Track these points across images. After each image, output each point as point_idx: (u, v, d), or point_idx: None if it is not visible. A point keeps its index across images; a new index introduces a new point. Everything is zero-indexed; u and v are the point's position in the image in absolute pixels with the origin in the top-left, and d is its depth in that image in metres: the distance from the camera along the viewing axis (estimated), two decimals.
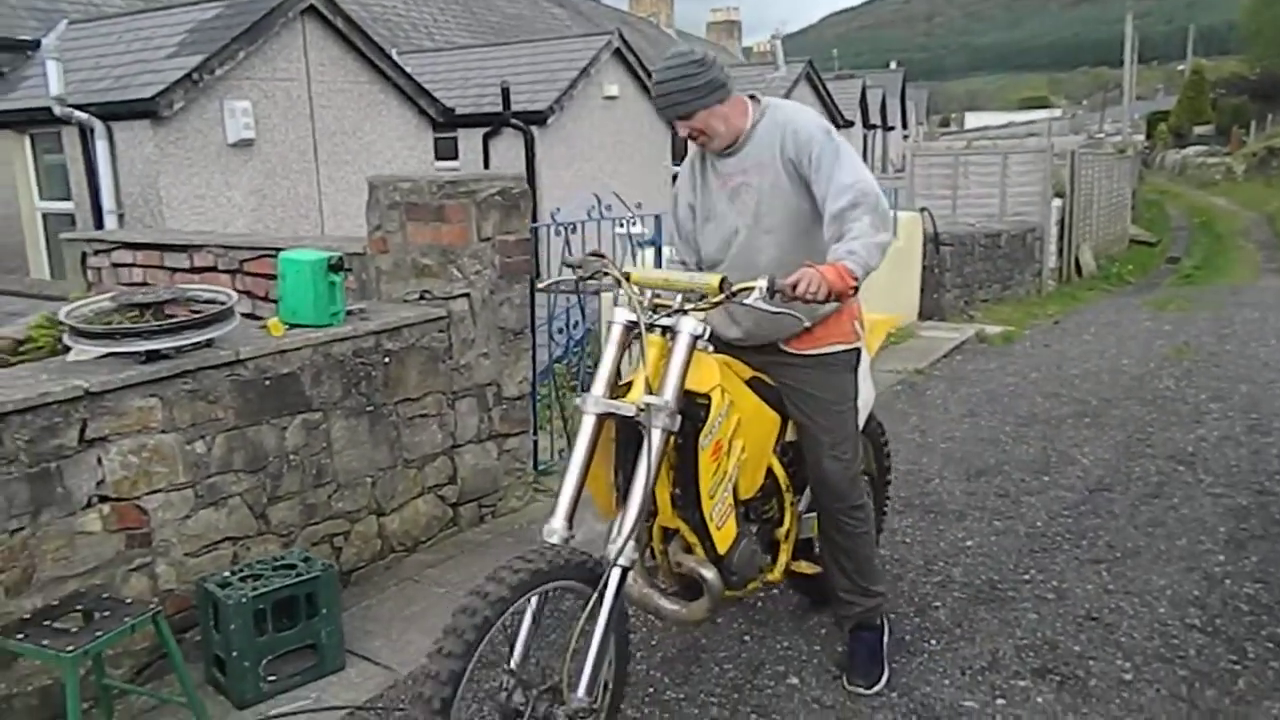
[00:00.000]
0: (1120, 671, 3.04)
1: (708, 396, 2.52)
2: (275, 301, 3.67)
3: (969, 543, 4.07)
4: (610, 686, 2.50)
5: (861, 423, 3.07)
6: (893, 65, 40.14)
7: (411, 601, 3.53)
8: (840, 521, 2.90)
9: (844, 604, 3.02)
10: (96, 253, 5.24)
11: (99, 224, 7.78)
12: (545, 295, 4.18)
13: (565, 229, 4.69)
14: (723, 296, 2.45)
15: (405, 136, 9.50)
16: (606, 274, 2.66)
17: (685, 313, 2.49)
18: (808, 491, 3.03)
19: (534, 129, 11.22)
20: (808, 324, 2.74)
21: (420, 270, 3.92)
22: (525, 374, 4.32)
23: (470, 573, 3.60)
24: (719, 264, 2.82)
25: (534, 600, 2.30)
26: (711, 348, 2.66)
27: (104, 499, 2.86)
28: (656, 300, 2.57)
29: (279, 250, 3.68)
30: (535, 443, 4.67)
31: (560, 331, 4.94)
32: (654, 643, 3.26)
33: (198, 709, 2.73)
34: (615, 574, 2.32)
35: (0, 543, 2.64)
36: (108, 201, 7.75)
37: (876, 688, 2.94)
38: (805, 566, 3.12)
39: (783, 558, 3.01)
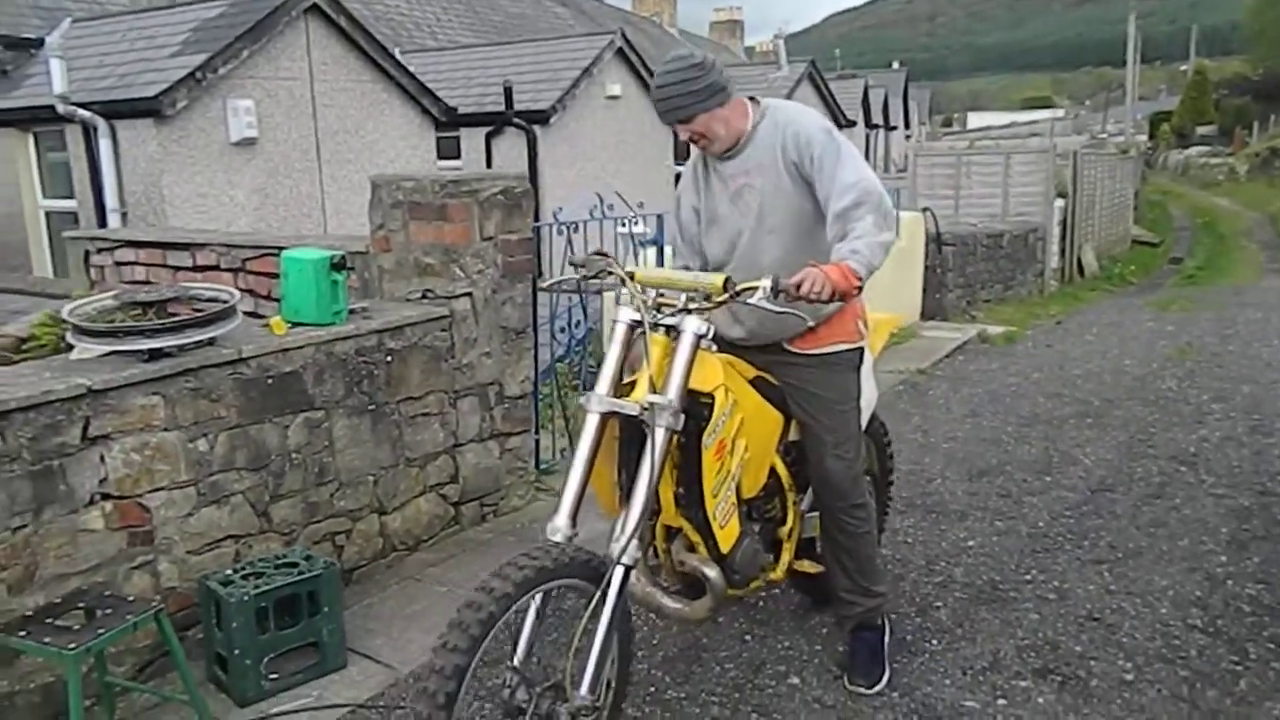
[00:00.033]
0: (1122, 672, 3.04)
1: (711, 396, 2.53)
2: (278, 300, 3.68)
3: (971, 543, 4.07)
4: (613, 685, 2.51)
5: (864, 422, 3.07)
6: (895, 65, 40.07)
7: (413, 600, 3.53)
8: (842, 521, 2.90)
9: (845, 604, 3.02)
10: (99, 251, 5.24)
11: (102, 222, 7.78)
12: (547, 294, 4.18)
13: (567, 228, 4.70)
14: (727, 296, 2.45)
15: (408, 135, 9.50)
16: (611, 273, 2.66)
17: (689, 312, 2.49)
18: (810, 491, 3.03)
19: (536, 128, 11.22)
20: (811, 323, 2.74)
21: (423, 269, 3.93)
22: (527, 373, 4.32)
23: (472, 572, 3.61)
24: (724, 265, 2.82)
25: (538, 597, 2.30)
26: (715, 347, 2.67)
27: (106, 497, 2.87)
28: (660, 299, 2.58)
29: (281, 249, 3.68)
30: (537, 442, 4.67)
31: (562, 331, 4.95)
32: (655, 641, 3.26)
33: (199, 707, 2.73)
34: (618, 572, 2.32)
35: (3, 540, 2.64)
36: (111, 200, 7.75)
37: (878, 688, 2.94)
38: (808, 566, 3.12)
39: (785, 557, 3.01)
